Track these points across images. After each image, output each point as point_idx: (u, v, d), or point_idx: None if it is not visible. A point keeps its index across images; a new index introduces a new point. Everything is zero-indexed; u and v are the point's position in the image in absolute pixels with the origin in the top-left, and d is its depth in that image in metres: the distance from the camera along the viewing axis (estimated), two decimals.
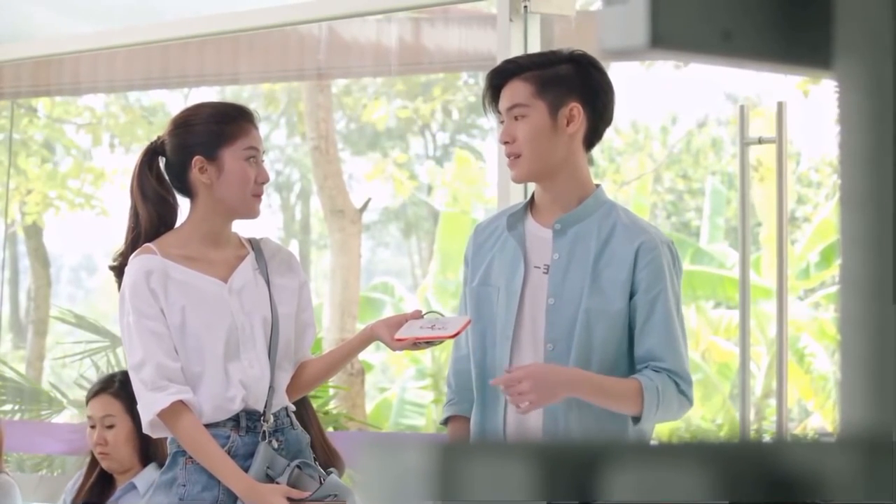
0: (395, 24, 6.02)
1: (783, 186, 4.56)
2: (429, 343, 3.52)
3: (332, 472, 3.69)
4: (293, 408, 3.68)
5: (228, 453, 3.53)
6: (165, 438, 3.66)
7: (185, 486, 3.54)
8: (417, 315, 3.54)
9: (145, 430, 3.58)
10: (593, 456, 1.02)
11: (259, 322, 3.61)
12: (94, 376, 7.03)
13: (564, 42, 5.17)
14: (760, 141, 4.64)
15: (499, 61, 3.84)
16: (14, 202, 12.39)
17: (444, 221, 14.84)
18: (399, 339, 3.50)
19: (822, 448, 1.08)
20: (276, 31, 6.19)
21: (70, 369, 9.34)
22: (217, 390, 3.54)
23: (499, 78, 3.55)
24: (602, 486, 1.02)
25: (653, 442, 1.07)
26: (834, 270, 13.36)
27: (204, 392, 3.54)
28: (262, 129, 3.80)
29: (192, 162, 3.58)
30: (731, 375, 13.77)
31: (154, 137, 3.71)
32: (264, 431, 3.57)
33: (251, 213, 3.63)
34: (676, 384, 3.43)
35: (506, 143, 3.52)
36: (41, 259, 13.95)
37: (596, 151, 3.66)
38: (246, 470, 3.53)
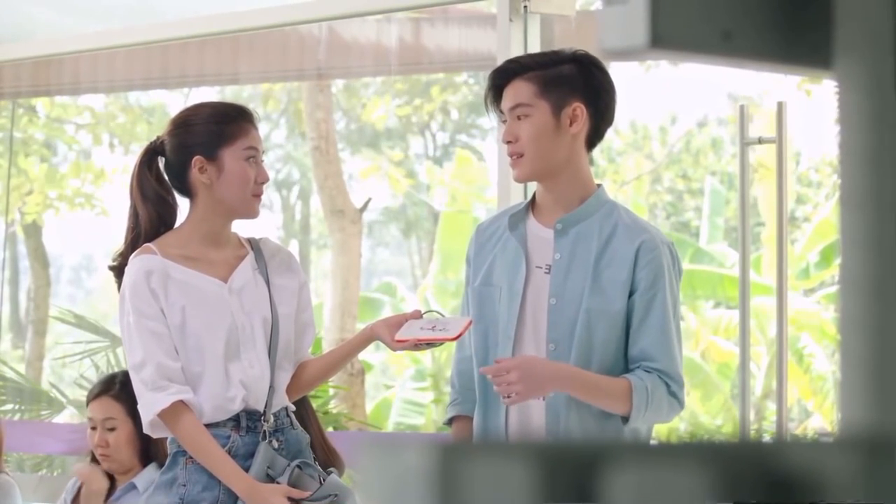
0: (394, 24, 6.02)
1: (783, 186, 4.56)
2: (430, 345, 3.52)
3: (332, 472, 3.68)
4: (293, 408, 3.68)
5: (229, 453, 3.53)
6: (165, 438, 3.66)
7: (185, 486, 3.54)
8: (417, 315, 3.54)
9: (146, 430, 3.57)
10: (593, 456, 1.02)
11: (259, 322, 3.61)
12: (93, 376, 7.03)
13: (564, 42, 5.17)
14: (760, 141, 4.64)
15: (499, 61, 3.84)
16: (14, 202, 12.38)
17: (444, 221, 14.85)
18: (400, 340, 3.50)
19: (822, 448, 1.08)
20: (276, 31, 6.19)
21: (70, 369, 9.35)
22: (217, 390, 3.54)
23: (501, 77, 3.55)
24: (602, 487, 1.02)
25: (653, 442, 1.07)
26: (834, 270, 13.36)
27: (204, 392, 3.53)
28: (262, 128, 3.80)
29: (192, 162, 3.58)
30: (731, 375, 13.75)
31: (154, 137, 3.70)
32: (264, 431, 3.57)
33: (251, 213, 3.63)
34: (667, 385, 3.42)
35: (508, 142, 3.52)
36: (41, 259, 13.94)
37: (595, 151, 3.65)
38: (246, 470, 3.53)
